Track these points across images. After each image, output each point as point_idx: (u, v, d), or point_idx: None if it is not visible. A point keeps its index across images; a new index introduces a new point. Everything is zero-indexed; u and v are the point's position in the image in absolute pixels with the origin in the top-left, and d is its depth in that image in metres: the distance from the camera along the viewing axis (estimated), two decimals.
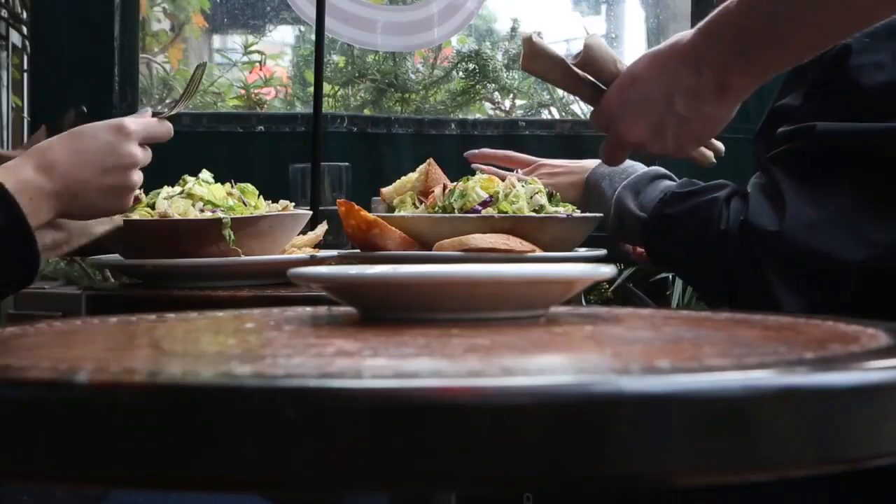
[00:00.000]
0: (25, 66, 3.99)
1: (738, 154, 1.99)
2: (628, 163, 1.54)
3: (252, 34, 3.75)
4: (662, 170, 1.54)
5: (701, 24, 1.18)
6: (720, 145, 1.52)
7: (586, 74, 1.32)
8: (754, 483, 1.11)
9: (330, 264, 1.46)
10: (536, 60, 1.32)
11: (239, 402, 0.51)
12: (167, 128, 1.40)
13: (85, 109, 1.57)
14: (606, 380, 0.53)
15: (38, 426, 0.52)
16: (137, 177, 1.36)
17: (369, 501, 1.25)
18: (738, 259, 1.29)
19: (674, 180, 1.50)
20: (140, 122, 1.38)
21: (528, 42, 1.32)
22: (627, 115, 1.25)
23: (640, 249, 1.65)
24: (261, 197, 1.61)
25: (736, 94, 1.19)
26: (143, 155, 1.37)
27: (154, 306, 1.45)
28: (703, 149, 1.49)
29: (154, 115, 1.42)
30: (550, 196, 1.53)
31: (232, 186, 1.60)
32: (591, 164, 1.63)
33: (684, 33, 1.20)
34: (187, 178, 1.59)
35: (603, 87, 1.31)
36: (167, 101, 3.59)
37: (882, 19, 1.14)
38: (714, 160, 1.51)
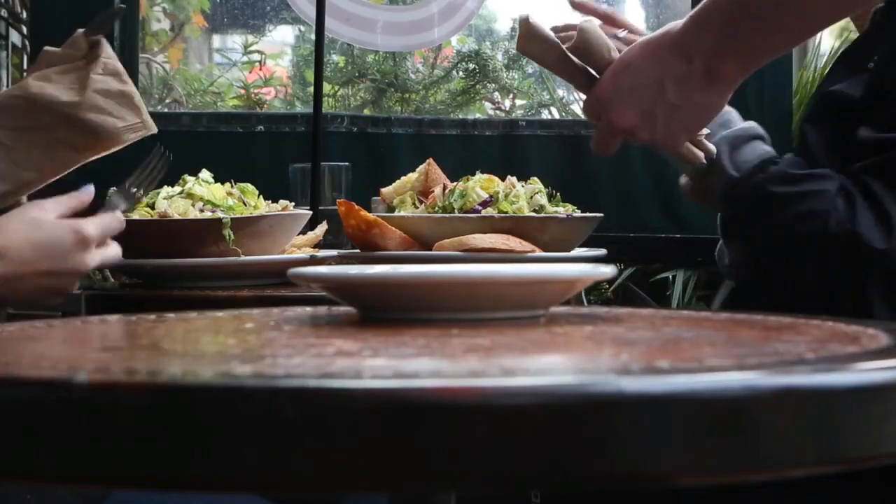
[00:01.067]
0: (25, 66, 3.99)
1: None
2: (726, 109, 1.42)
3: (252, 34, 3.75)
4: (759, 129, 1.46)
5: (692, 11, 1.18)
6: (712, 147, 1.51)
7: (580, 61, 1.32)
8: (755, 483, 1.11)
9: (330, 264, 1.46)
10: (532, 42, 1.31)
11: (239, 402, 0.51)
12: (120, 221, 1.39)
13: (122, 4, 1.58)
14: (606, 380, 0.53)
15: (38, 426, 0.52)
16: (79, 275, 1.35)
17: (369, 501, 1.25)
18: (839, 266, 1.26)
19: (767, 143, 1.44)
20: (99, 227, 1.34)
21: (525, 23, 1.31)
22: (619, 101, 1.24)
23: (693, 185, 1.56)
24: (261, 197, 1.61)
25: (726, 81, 1.19)
26: (94, 253, 1.35)
27: (154, 306, 1.45)
28: (693, 148, 1.48)
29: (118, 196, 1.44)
30: (550, 196, 1.53)
31: (232, 186, 1.60)
32: None
33: (676, 22, 1.20)
34: (187, 178, 1.59)
35: (596, 75, 1.31)
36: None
37: (866, 6, 1.14)
38: (704, 161, 1.49)
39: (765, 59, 1.19)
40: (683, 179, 1.51)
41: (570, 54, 1.31)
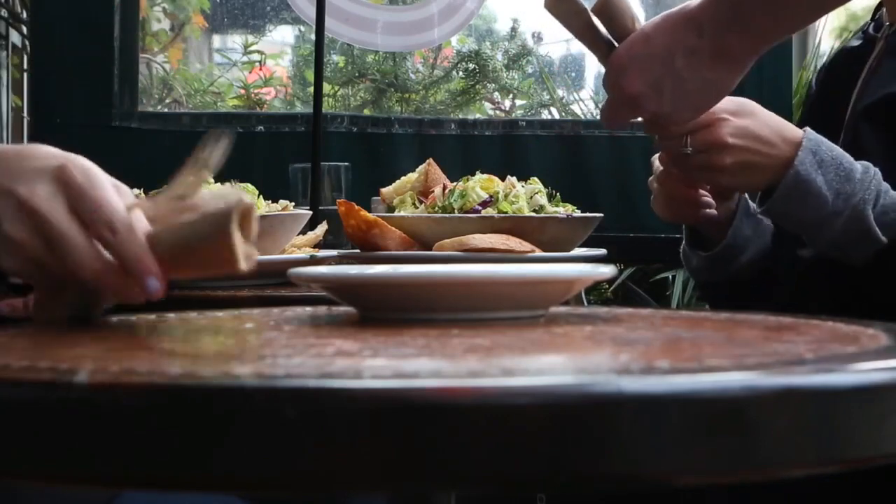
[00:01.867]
0: (25, 66, 3.99)
1: None
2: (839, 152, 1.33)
3: (252, 34, 3.75)
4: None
5: None
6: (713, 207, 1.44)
7: (605, 31, 1.30)
8: (755, 483, 1.11)
9: (330, 264, 1.46)
10: (561, 3, 1.30)
11: (239, 402, 0.51)
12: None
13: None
14: (606, 380, 0.53)
15: (38, 426, 0.52)
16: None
17: (366, 501, 1.25)
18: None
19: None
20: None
21: None
22: (630, 69, 1.24)
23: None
24: (261, 197, 1.61)
25: (734, 61, 1.20)
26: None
27: (154, 306, 1.45)
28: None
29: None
30: (550, 196, 1.53)
31: (232, 186, 1.60)
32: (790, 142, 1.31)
33: None
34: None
35: (617, 45, 1.30)
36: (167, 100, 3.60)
37: None
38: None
39: (772, 40, 1.20)
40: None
41: (595, 21, 1.30)
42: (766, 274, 1.49)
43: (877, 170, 1.30)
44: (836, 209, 1.27)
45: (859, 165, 1.29)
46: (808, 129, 1.31)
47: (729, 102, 1.30)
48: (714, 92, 1.24)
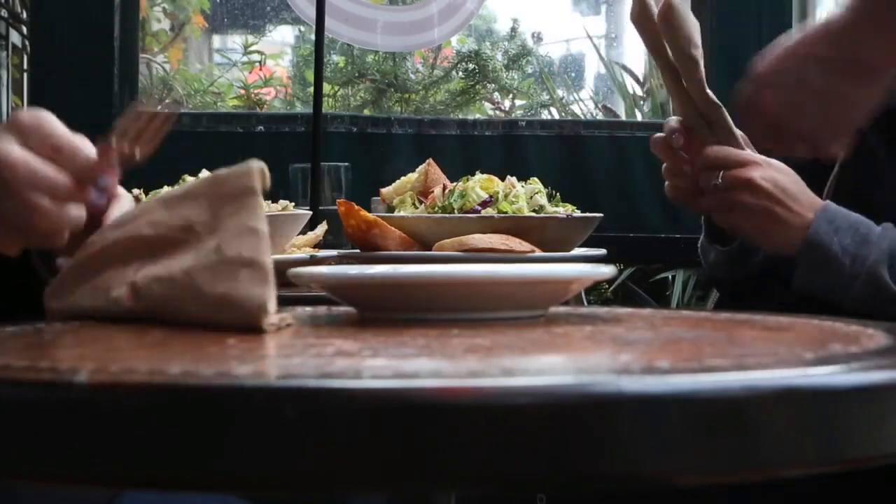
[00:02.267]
0: (25, 66, 3.99)
1: None
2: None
3: (252, 34, 3.76)
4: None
5: None
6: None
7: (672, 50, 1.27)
8: (755, 483, 1.11)
9: (330, 264, 1.46)
10: (647, 20, 1.27)
11: (239, 402, 0.51)
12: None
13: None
14: (606, 380, 0.53)
15: (38, 426, 0.52)
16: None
17: (366, 501, 1.25)
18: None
19: None
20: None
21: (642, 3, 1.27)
22: (767, 87, 1.18)
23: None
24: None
25: (871, 71, 1.13)
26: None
27: None
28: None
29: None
30: (550, 196, 1.53)
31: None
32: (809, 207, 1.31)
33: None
34: (187, 178, 1.59)
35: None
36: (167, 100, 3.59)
37: None
38: None
39: None
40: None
41: (667, 47, 1.27)
42: (783, 269, 1.48)
43: None
44: (854, 272, 1.27)
45: (878, 228, 1.29)
46: (829, 201, 1.30)
47: (764, 157, 1.30)
48: (856, 107, 1.17)
